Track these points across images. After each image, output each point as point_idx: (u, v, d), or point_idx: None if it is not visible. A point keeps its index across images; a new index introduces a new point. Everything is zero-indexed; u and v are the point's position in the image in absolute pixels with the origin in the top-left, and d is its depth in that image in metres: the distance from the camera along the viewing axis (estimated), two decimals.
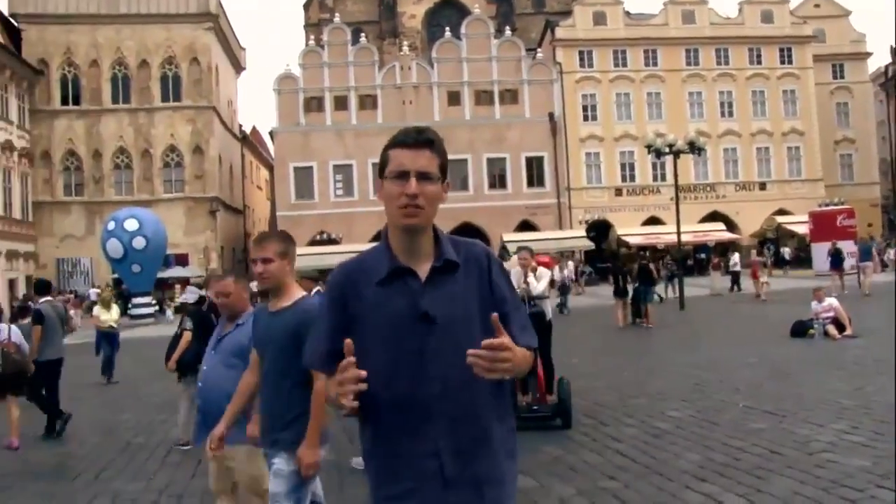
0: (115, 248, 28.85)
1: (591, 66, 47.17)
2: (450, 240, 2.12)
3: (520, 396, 7.93)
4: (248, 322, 4.02)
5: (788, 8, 49.01)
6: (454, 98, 46.44)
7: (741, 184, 47.23)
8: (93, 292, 35.68)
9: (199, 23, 46.08)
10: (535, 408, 7.84)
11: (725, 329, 17.12)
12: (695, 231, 42.39)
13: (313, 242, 44.51)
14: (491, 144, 45.95)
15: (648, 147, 25.33)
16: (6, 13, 44.00)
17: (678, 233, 25.15)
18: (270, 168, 57.02)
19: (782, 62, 48.24)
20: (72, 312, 31.24)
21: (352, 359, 1.87)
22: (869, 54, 53.73)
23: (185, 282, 42.42)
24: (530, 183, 46.67)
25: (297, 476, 3.39)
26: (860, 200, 44.03)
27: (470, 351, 1.86)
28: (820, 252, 33.04)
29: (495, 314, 1.91)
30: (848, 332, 13.65)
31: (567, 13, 50.14)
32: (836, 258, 24.81)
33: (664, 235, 39.37)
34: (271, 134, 48.28)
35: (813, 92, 48.19)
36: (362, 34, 49.19)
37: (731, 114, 47.68)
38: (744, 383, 9.68)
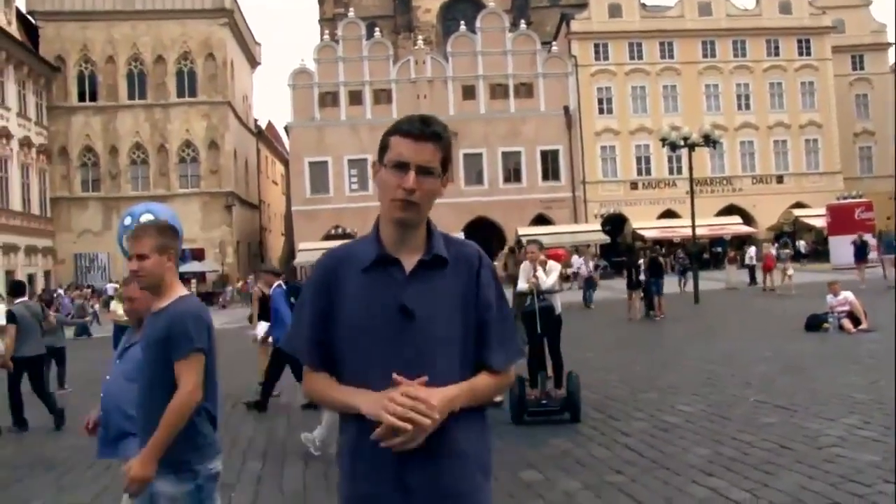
0: None
1: (606, 58, 46.95)
2: (443, 236, 2.04)
3: (528, 390, 7.90)
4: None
5: None
6: (469, 92, 46.38)
7: (758, 177, 46.88)
8: (110, 287, 35.97)
9: (214, 18, 46.25)
10: (544, 402, 7.81)
11: (739, 323, 17.00)
12: (711, 224, 42.16)
13: (328, 237, 44.61)
14: (506, 138, 45.86)
15: (663, 140, 25.18)
16: (24, 11, 44.37)
17: (693, 226, 25.01)
18: (286, 163, 57.17)
19: (800, 54, 47.80)
20: (94, 306, 31.63)
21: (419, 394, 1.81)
22: (889, 44, 53.15)
23: (201, 276, 42.77)
24: (545, 177, 46.56)
25: (190, 497, 3.00)
26: (879, 193, 43.55)
27: (376, 433, 1.80)
28: (838, 245, 32.79)
29: (423, 379, 1.84)
30: (863, 325, 13.52)
31: (582, 6, 49.88)
32: (861, 250, 24.56)
33: (680, 229, 39.18)
34: (286, 129, 48.43)
35: (832, 83, 47.73)
36: (377, 29, 49.21)
37: (748, 106, 47.29)
38: (756, 377, 9.61)
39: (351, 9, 50.26)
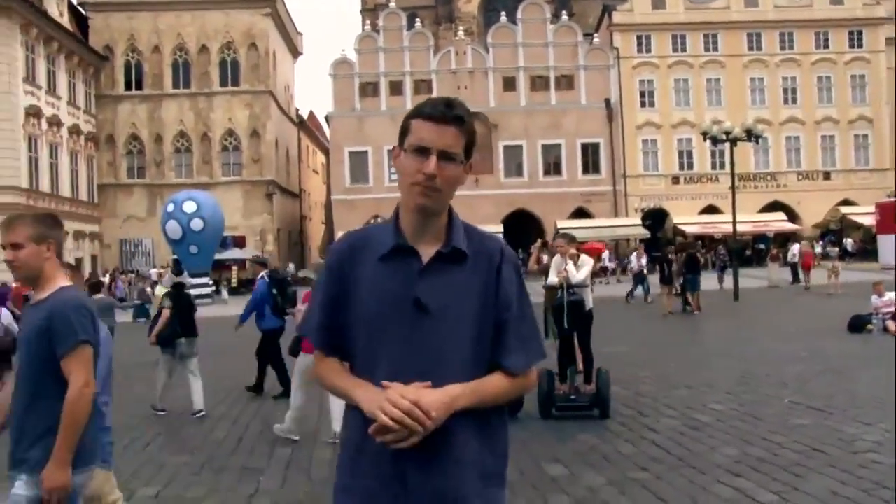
0: (174, 229, 29.46)
1: (649, 51, 46.39)
2: (465, 228, 1.95)
3: (557, 385, 7.88)
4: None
5: None
6: (509, 84, 46.19)
7: (804, 173, 46.00)
8: (153, 272, 36.61)
9: (258, 8, 46.67)
10: (573, 397, 7.78)
11: (779, 322, 16.74)
12: (754, 221, 41.51)
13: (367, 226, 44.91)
14: (546, 130, 45.62)
15: (704, 134, 24.83)
16: (75, 2, 45.27)
17: (734, 222, 24.62)
18: (326, 152, 57.59)
19: (851, 46, 46.68)
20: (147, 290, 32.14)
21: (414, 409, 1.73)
22: None
23: (241, 263, 43.35)
24: (586, 170, 46.23)
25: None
26: None
27: (371, 428, 1.76)
28: (886, 244, 32.03)
29: (427, 384, 1.78)
30: None
31: None
32: None
33: (722, 225, 38.57)
34: (327, 118, 48.75)
35: (884, 77, 46.45)
36: (418, 19, 49.19)
37: (794, 100, 46.36)
38: (792, 378, 9.47)
39: None
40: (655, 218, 45.06)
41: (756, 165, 45.43)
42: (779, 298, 23.41)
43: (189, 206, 29.70)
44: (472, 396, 1.84)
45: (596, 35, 48.58)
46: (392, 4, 48.78)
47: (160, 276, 31.09)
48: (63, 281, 2.99)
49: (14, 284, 19.98)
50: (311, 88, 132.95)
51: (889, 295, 13.82)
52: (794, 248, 29.84)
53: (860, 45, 46.65)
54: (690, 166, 46.21)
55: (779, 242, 38.55)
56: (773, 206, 45.12)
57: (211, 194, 34.92)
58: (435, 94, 45.61)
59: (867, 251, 39.45)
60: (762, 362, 10.87)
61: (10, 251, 2.90)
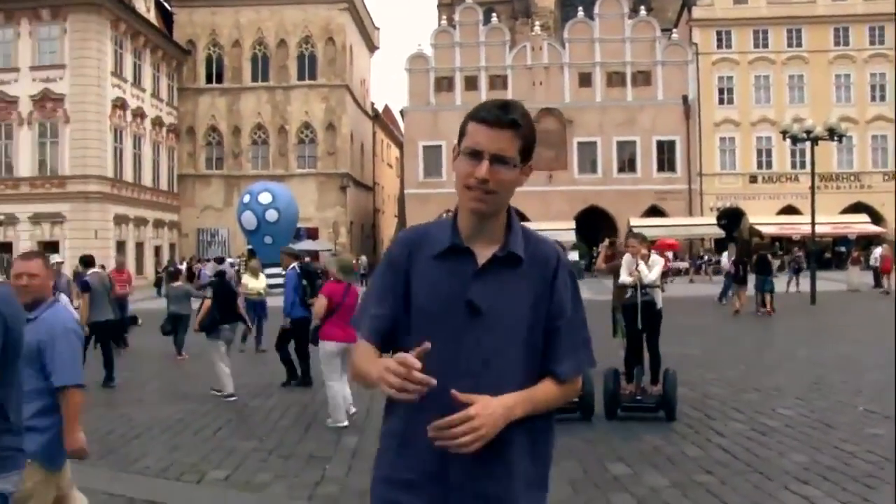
0: (249, 219, 30.23)
1: (729, 46, 45.26)
2: (522, 232, 1.95)
3: (623, 385, 7.81)
4: (44, 316, 3.47)
5: None
6: (585, 79, 45.72)
7: (890, 174, 44.14)
8: (228, 261, 37.55)
9: (335, 3, 47.28)
10: (639, 398, 7.70)
11: (857, 326, 16.21)
12: (835, 223, 40.18)
13: None
14: (622, 127, 45.03)
15: (784, 133, 24.14)
16: None
17: (812, 223, 23.89)
18: (400, 146, 58.04)
19: None
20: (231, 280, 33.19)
21: (411, 358, 1.70)
22: None
23: (315, 255, 44.18)
24: (661, 167, 45.45)
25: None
26: None
27: (434, 424, 1.74)
28: None
29: (454, 392, 1.75)
30: None
31: None
32: None
33: (800, 226, 37.43)
34: (402, 113, 49.14)
35: None
36: (494, 14, 49.12)
37: (882, 98, 44.46)
38: (868, 385, 9.18)
39: None
40: (731, 217, 44.01)
41: (839, 165, 43.89)
42: (858, 303, 22.65)
43: (265, 198, 30.43)
44: (527, 405, 1.85)
45: (675, 30, 47.67)
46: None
47: (246, 263, 31.93)
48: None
49: (109, 270, 20.95)
50: (387, 82, 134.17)
51: None
52: (877, 252, 28.78)
53: None
54: (769, 165, 44.95)
55: (861, 245, 37.16)
56: (856, 208, 43.51)
57: (286, 186, 35.68)
58: (510, 90, 45.59)
59: None
60: (837, 368, 10.57)
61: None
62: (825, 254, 40.66)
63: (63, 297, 10.72)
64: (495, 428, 1.77)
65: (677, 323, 14.98)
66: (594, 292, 23.95)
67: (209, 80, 47.33)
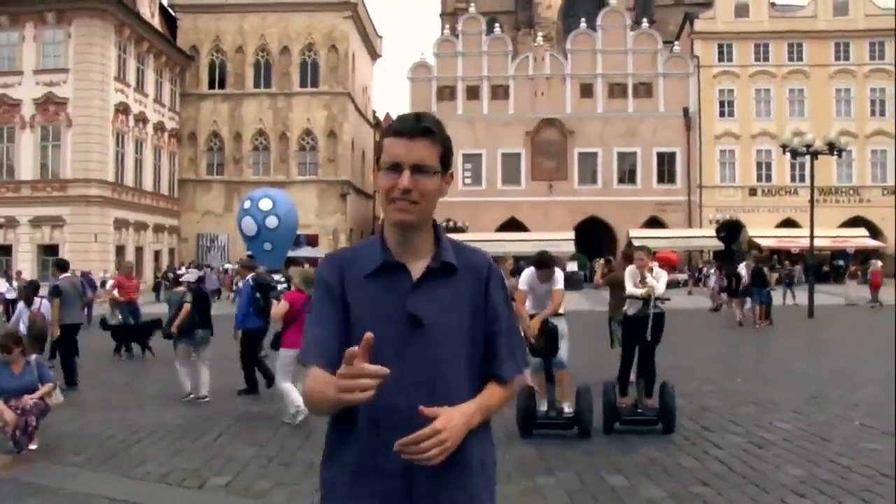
0: (249, 225, 30.03)
1: (730, 59, 45.48)
2: (451, 242, 1.96)
3: (619, 399, 7.81)
4: None
5: None
6: (587, 90, 45.89)
7: (889, 188, 44.26)
8: (228, 267, 37.60)
9: (339, 11, 47.46)
10: (639, 411, 7.72)
11: (855, 340, 16.26)
12: (833, 236, 40.26)
13: None
14: (622, 138, 45.18)
15: (784, 147, 24.24)
16: (165, 3, 46.96)
17: (811, 237, 23.97)
18: None
19: None
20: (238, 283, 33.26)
21: (355, 349, 1.65)
22: None
23: (313, 261, 44.17)
24: (661, 179, 45.59)
25: None
26: None
27: (401, 441, 1.73)
28: None
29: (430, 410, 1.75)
30: None
31: (707, 4, 48.47)
32: None
33: (799, 239, 37.52)
34: None
35: None
36: (497, 24, 49.28)
37: (882, 113, 44.66)
38: (865, 399, 9.22)
39: (472, 4, 50.56)
40: (730, 230, 44.07)
41: (838, 179, 44.04)
42: (855, 317, 22.70)
43: (265, 204, 30.31)
44: (483, 411, 1.89)
45: (676, 43, 47.88)
46: (472, 9, 49.04)
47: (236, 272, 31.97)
48: None
49: (116, 275, 21.07)
50: (390, 91, 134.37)
51: None
52: (875, 266, 28.89)
53: None
54: (769, 178, 45.10)
55: (859, 259, 37.26)
56: (855, 222, 43.63)
57: (287, 193, 35.69)
58: (512, 100, 45.77)
59: None
60: (834, 381, 10.61)
61: None
62: (823, 267, 40.71)
63: (40, 302, 11.26)
64: (459, 438, 1.79)
65: (675, 335, 15.02)
66: (593, 303, 23.98)
67: (211, 85, 47.45)
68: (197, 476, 6.34)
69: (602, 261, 11.85)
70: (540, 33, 51.95)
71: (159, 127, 43.53)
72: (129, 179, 40.04)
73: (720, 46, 45.62)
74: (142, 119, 41.23)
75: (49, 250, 35.77)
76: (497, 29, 47.97)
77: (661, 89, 45.35)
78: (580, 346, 12.65)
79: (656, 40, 46.13)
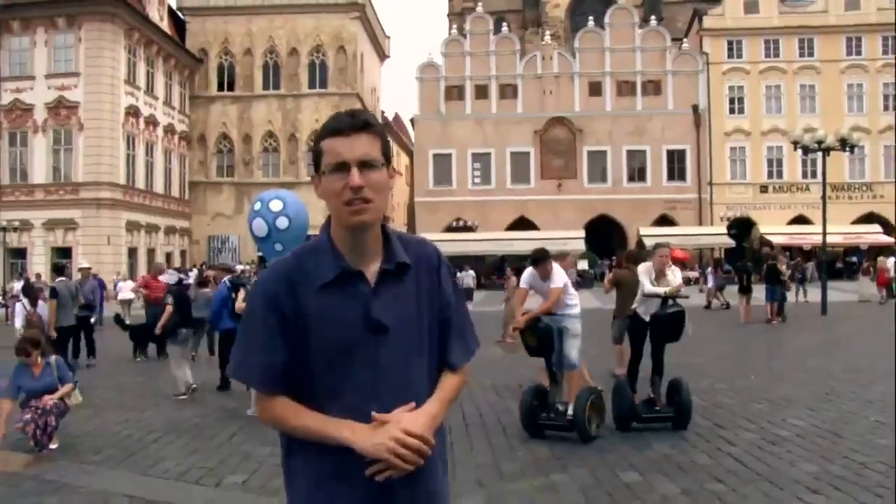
0: (260, 227, 29.99)
1: (739, 56, 45.34)
2: (399, 238, 1.92)
3: (635, 398, 7.76)
4: None
5: None
6: (595, 88, 45.85)
7: None
8: (240, 268, 37.72)
9: (347, 12, 47.60)
10: (657, 409, 7.66)
11: (869, 337, 16.20)
12: (846, 233, 40.07)
13: (449, 229, 45.24)
14: (631, 136, 45.11)
15: (795, 143, 24.16)
16: (174, 7, 47.20)
17: (824, 233, 23.88)
18: (410, 154, 58.20)
19: None
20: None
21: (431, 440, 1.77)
22: None
23: None
24: (671, 177, 45.51)
25: None
26: None
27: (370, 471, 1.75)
28: None
29: (410, 405, 1.80)
30: None
31: (716, 1, 48.33)
32: None
33: (811, 236, 37.38)
34: (412, 121, 49.32)
35: None
36: (505, 23, 49.30)
37: (895, 107, 44.37)
38: (879, 396, 9.20)
39: (479, 3, 50.58)
40: (741, 227, 43.97)
41: (851, 175, 43.84)
42: (869, 314, 22.61)
43: (275, 205, 30.33)
44: (445, 406, 1.91)
45: (685, 40, 47.78)
46: (479, 9, 49.06)
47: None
48: None
49: (145, 275, 21.34)
50: (398, 91, 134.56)
51: None
52: (890, 262, 28.78)
53: None
54: (780, 175, 44.94)
55: (872, 256, 37.05)
56: (868, 218, 43.39)
57: (297, 194, 35.86)
58: (520, 99, 45.78)
59: None
60: (848, 378, 10.59)
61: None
62: (836, 264, 40.55)
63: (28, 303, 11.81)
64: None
65: (684, 333, 14.99)
66: (603, 301, 23.96)
67: (221, 87, 47.66)
68: (213, 474, 6.40)
69: (611, 274, 11.69)
70: (548, 32, 51.93)
71: (169, 129, 43.76)
72: (140, 182, 40.26)
73: (729, 43, 45.48)
74: (152, 122, 41.45)
75: (62, 253, 36.01)
76: (505, 28, 47.97)
77: (670, 87, 45.26)
78: (594, 344, 12.68)
79: (665, 38, 46.04)
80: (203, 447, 7.39)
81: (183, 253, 45.19)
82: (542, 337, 7.29)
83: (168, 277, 14.33)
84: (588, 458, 6.54)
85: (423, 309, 1.89)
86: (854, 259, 40.72)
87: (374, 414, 1.76)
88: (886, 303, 25.51)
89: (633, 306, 8.23)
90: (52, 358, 7.71)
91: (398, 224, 63.46)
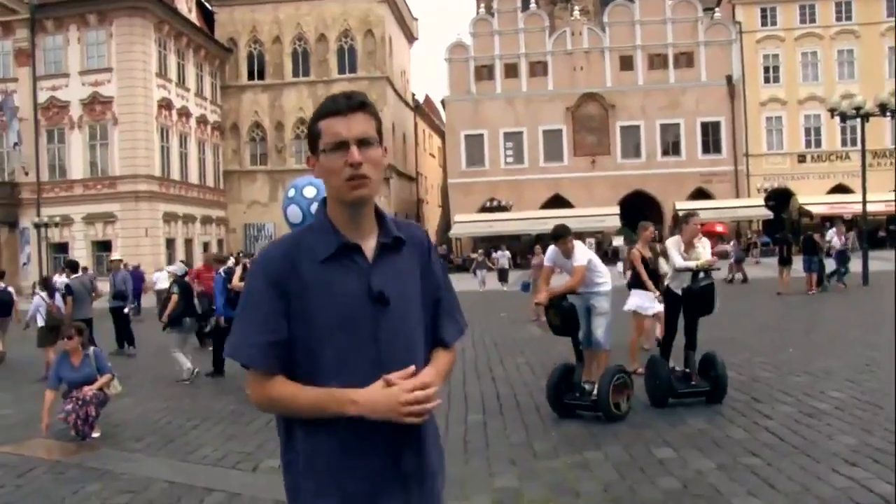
0: (294, 213, 30.12)
1: (774, 23, 44.39)
2: (390, 218, 1.97)
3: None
4: None
5: None
6: (627, 63, 45.31)
7: None
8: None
9: None
10: (693, 383, 7.57)
11: None
12: (888, 200, 39.05)
13: (483, 209, 45.20)
14: (664, 110, 44.55)
15: (832, 111, 23.62)
16: None
17: (864, 202, 23.36)
18: (442, 135, 58.15)
19: None
20: None
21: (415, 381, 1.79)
22: None
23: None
24: (706, 149, 44.91)
25: None
26: None
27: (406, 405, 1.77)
28: None
29: (411, 368, 1.82)
30: None
31: None
32: None
33: (852, 205, 36.61)
34: (443, 102, 49.20)
35: None
36: (532, 0, 48.81)
37: None
38: None
39: None
40: (779, 198, 43.26)
41: (893, 140, 42.78)
42: None
43: (309, 192, 30.46)
44: (442, 378, 1.93)
45: (717, 9, 46.88)
46: None
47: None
48: None
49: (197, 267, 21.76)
50: (428, 73, 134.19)
51: None
52: None
53: None
54: (818, 144, 44.07)
55: None
56: None
57: None
58: (550, 76, 45.39)
59: None
60: (889, 349, 10.38)
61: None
62: (879, 233, 39.73)
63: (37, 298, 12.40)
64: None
65: (725, 306, 14.86)
66: None
67: (251, 76, 47.96)
68: (250, 459, 6.50)
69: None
70: (577, 7, 51.23)
71: (202, 120, 44.18)
72: (175, 173, 40.76)
73: (763, 10, 44.57)
74: (184, 113, 41.88)
75: (102, 246, 36.71)
76: (533, 5, 47.54)
77: (702, 58, 44.54)
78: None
79: (696, 8, 45.25)
80: (240, 433, 7.51)
81: (220, 242, 45.73)
82: (565, 315, 7.18)
83: (175, 268, 14.81)
84: (622, 435, 6.52)
85: (418, 284, 1.94)
86: None
87: (384, 377, 1.79)
88: None
89: (666, 282, 8.15)
90: (91, 349, 7.88)
91: (432, 206, 63.59)
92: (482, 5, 50.74)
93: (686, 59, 44.81)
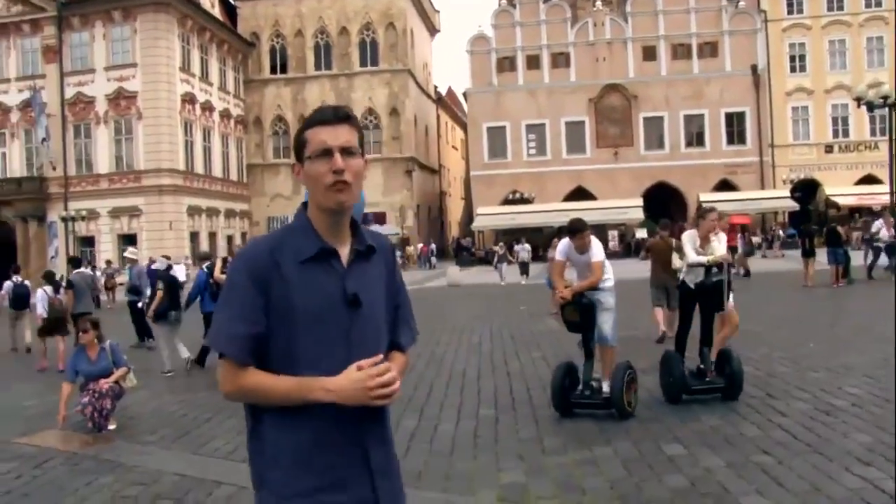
0: None
1: (800, 11, 43.74)
2: (363, 228, 2.08)
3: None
4: None
5: None
6: (649, 53, 44.93)
7: None
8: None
9: None
10: (708, 380, 7.50)
11: None
12: None
13: (506, 201, 45.10)
14: (688, 100, 44.12)
15: (858, 100, 23.22)
16: None
17: (892, 193, 22.98)
18: (465, 128, 58.04)
19: None
20: None
21: (385, 366, 1.88)
22: None
23: None
24: (730, 140, 44.44)
25: None
26: None
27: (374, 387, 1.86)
28: None
29: (378, 357, 1.91)
30: None
31: None
32: None
33: (880, 196, 36.07)
34: (465, 95, 49.09)
35: None
36: None
37: None
38: None
39: None
40: (805, 190, 42.70)
41: None
42: None
43: None
44: (401, 374, 2.03)
45: None
46: None
47: None
48: None
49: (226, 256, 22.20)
50: (449, 65, 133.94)
51: None
52: None
53: None
54: (846, 134, 43.42)
55: None
56: None
57: None
58: (573, 67, 45.13)
59: None
60: None
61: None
62: None
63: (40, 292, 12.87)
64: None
65: (748, 300, 14.70)
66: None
67: (273, 70, 48.19)
68: None
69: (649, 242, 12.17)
70: None
71: (225, 114, 44.47)
72: (198, 167, 41.09)
73: None
74: (208, 108, 42.17)
75: (128, 239, 37.11)
76: None
77: (727, 47, 44.03)
78: (644, 313, 12.53)
79: None
80: None
81: (244, 235, 46.06)
82: (584, 312, 7.15)
83: (159, 264, 15.29)
84: (633, 431, 6.47)
85: (385, 291, 2.06)
86: None
87: (357, 363, 1.88)
88: None
89: (681, 276, 8.07)
90: (107, 343, 7.96)
91: (455, 199, 63.57)
92: None
93: (710, 49, 44.33)
